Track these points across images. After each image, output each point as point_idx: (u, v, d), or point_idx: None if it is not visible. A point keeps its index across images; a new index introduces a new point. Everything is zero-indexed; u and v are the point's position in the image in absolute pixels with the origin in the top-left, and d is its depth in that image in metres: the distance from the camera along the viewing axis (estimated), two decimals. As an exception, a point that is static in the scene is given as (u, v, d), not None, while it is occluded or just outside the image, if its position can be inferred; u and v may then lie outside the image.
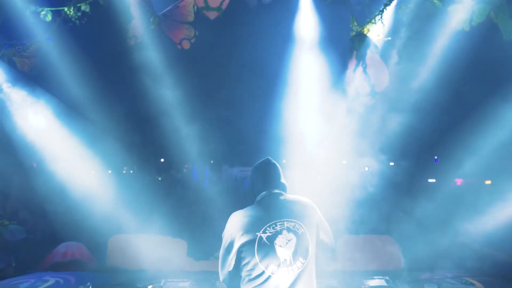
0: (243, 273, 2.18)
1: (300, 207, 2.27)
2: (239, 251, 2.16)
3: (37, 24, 8.76)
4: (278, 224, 2.18)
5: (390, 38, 6.64)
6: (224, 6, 6.20)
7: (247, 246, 2.14)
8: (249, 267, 2.15)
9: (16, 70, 8.07)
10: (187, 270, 3.33)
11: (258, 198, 2.33)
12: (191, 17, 7.70)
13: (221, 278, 2.31)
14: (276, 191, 2.32)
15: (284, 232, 2.17)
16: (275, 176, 2.37)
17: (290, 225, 2.18)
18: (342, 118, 6.33)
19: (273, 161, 2.46)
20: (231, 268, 2.20)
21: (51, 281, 3.17)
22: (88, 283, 2.93)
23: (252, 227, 2.17)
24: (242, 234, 2.17)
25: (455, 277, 3.36)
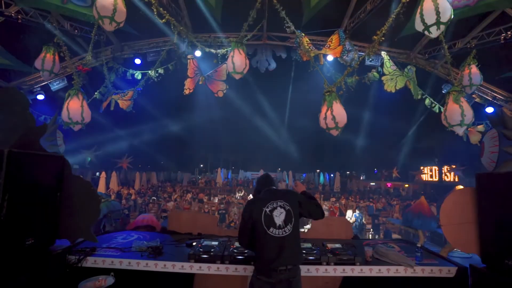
0: (256, 235, 2.41)
1: (286, 194, 2.53)
2: (253, 220, 2.41)
3: (132, 80, 9.10)
4: (274, 203, 2.45)
5: (347, 94, 6.87)
6: (245, 71, 6.41)
7: (258, 216, 2.41)
8: (258, 229, 2.39)
9: (118, 108, 8.35)
10: (217, 235, 3.34)
11: (262, 191, 2.60)
12: (224, 77, 8.03)
13: (239, 241, 2.51)
14: (272, 187, 2.62)
15: (278, 208, 2.43)
16: (271, 181, 2.67)
17: (281, 204, 2.45)
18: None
19: (270, 175, 2.76)
20: (248, 232, 2.43)
21: (135, 236, 3.25)
22: (157, 239, 2.99)
23: (260, 205, 2.46)
24: (255, 209, 2.45)
25: (383, 243, 3.35)
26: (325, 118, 6.03)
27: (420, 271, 2.72)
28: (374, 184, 28.83)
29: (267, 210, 2.41)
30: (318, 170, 29.19)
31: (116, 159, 20.90)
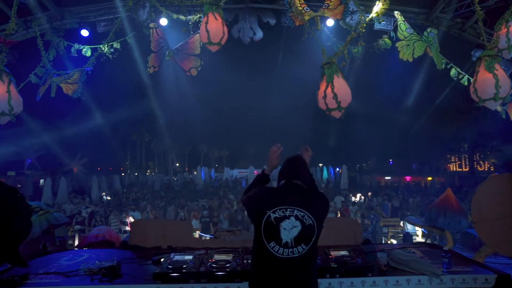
0: (255, 242, 2.17)
1: (316, 201, 2.20)
2: (253, 220, 2.16)
3: (79, 57, 8.76)
4: (288, 209, 2.09)
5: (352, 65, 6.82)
6: (223, 41, 6.19)
7: (257, 218, 2.12)
8: (257, 237, 2.13)
9: (62, 94, 8.03)
10: (193, 247, 3.24)
11: (280, 184, 2.31)
12: (198, 50, 7.83)
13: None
14: (296, 181, 2.24)
15: (292, 218, 2.07)
16: (298, 168, 2.29)
17: (300, 214, 2.09)
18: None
19: (301, 157, 2.43)
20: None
21: (86, 255, 3.12)
22: (114, 257, 2.86)
23: (265, 204, 2.13)
24: (256, 207, 2.16)
25: (401, 248, 3.33)
26: (325, 96, 5.94)
27: (449, 281, 2.71)
28: (389, 178, 29.40)
29: (272, 216, 2.06)
30: (320, 164, 29.47)
31: (65, 160, 20.30)
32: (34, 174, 19.21)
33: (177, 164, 43.45)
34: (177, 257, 2.88)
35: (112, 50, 8.53)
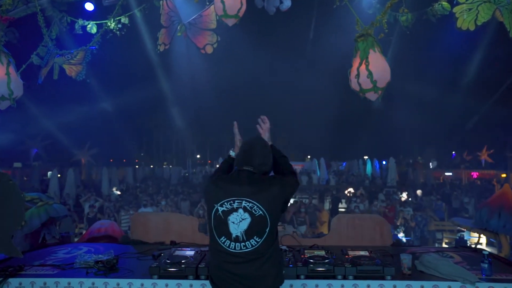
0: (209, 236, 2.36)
1: (268, 188, 2.25)
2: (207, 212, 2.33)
3: (83, 35, 9.21)
4: (236, 201, 2.21)
5: (391, 38, 6.68)
6: (241, 13, 6.34)
7: (208, 212, 2.29)
8: (209, 231, 2.32)
9: (65, 76, 8.53)
10: (198, 243, 3.48)
11: (234, 171, 2.44)
12: (213, 25, 7.98)
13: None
14: (247, 168, 2.32)
15: (240, 210, 2.20)
16: (252, 153, 2.36)
17: (248, 205, 2.20)
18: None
19: (260, 139, 2.48)
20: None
21: (84, 249, 3.45)
22: (111, 250, 3.16)
23: (213, 197, 2.28)
24: (206, 200, 2.36)
25: (437, 252, 3.36)
26: (358, 75, 5.94)
27: (486, 290, 2.71)
28: (450, 174, 28.29)
29: (220, 210, 2.20)
30: (365, 157, 28.92)
31: (73, 150, 21.51)
32: (41, 166, 20.57)
33: (198, 156, 44.45)
34: (178, 252, 3.12)
35: (119, 26, 8.94)
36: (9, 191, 2.71)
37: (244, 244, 2.18)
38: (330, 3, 8.22)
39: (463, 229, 7.03)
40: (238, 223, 2.18)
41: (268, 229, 2.21)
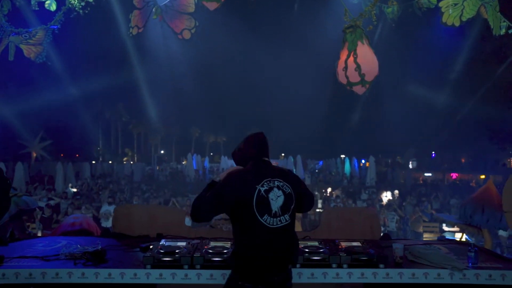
0: (239, 223, 2.70)
1: (288, 173, 2.86)
2: (239, 200, 2.64)
3: (42, 13, 9.02)
4: (270, 181, 2.71)
5: (379, 30, 7.12)
6: (223, -4, 6.47)
7: (248, 195, 2.64)
8: (245, 215, 2.65)
9: (22, 57, 8.34)
10: (185, 236, 3.69)
11: (253, 162, 2.83)
12: (191, 8, 8.09)
13: (194, 212, 2.69)
14: (265, 159, 2.87)
15: (275, 189, 2.70)
16: (267, 147, 2.91)
17: (280, 184, 2.73)
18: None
19: (264, 134, 2.99)
20: (217, 211, 2.71)
21: (64, 242, 3.59)
22: (98, 242, 3.32)
23: (253, 180, 2.70)
24: (244, 186, 2.68)
25: (425, 244, 3.73)
26: (345, 68, 6.29)
27: (473, 277, 3.07)
28: (430, 175, 29.72)
29: (262, 190, 2.66)
30: (342, 156, 29.85)
31: (23, 142, 20.72)
32: (-18, 159, 19.76)
33: (162, 152, 43.97)
34: (169, 243, 3.30)
35: (83, 3, 8.84)
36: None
37: (279, 219, 2.65)
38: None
39: (446, 224, 7.58)
40: (276, 199, 2.66)
41: (292, 206, 2.75)
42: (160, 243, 3.29)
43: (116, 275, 2.96)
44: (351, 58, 6.29)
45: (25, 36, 8.91)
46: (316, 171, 26.41)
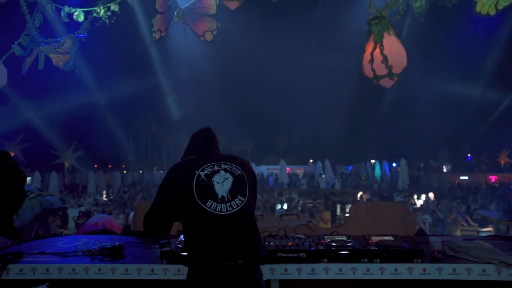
0: (184, 217, 2.49)
1: (238, 159, 2.65)
2: (179, 192, 2.45)
3: (70, 23, 9.28)
4: (215, 165, 2.51)
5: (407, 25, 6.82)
6: (244, -4, 6.41)
7: (185, 184, 2.43)
8: (187, 204, 2.42)
9: (51, 65, 8.57)
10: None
11: (196, 153, 2.68)
12: (213, 10, 8.07)
13: (146, 227, 2.63)
14: (215, 150, 2.71)
15: (222, 171, 2.48)
16: (212, 140, 2.73)
17: (227, 167, 2.51)
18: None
19: (210, 129, 2.82)
20: (163, 214, 2.56)
21: (85, 240, 3.49)
22: (116, 238, 3.22)
23: (190, 167, 2.51)
24: (180, 174, 2.50)
25: (466, 240, 3.43)
26: (371, 60, 6.03)
27: (522, 273, 2.77)
28: (466, 178, 28.48)
29: (202, 174, 2.43)
30: (373, 161, 29.07)
31: (56, 152, 21.37)
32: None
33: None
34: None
35: (109, 13, 9.01)
36: (9, 171, 2.75)
37: (230, 204, 2.39)
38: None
39: (491, 221, 7.13)
40: (222, 182, 2.43)
41: (247, 189, 2.50)
42: (179, 239, 3.16)
43: (133, 270, 2.85)
44: (377, 50, 6.04)
45: (54, 45, 9.18)
46: (344, 176, 25.85)
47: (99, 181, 21.43)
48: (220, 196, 2.38)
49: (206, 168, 2.45)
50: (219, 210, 2.35)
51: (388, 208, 3.92)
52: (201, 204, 2.36)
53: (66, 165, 22.45)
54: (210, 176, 2.43)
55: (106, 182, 23.12)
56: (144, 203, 4.65)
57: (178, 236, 3.63)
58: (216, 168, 2.47)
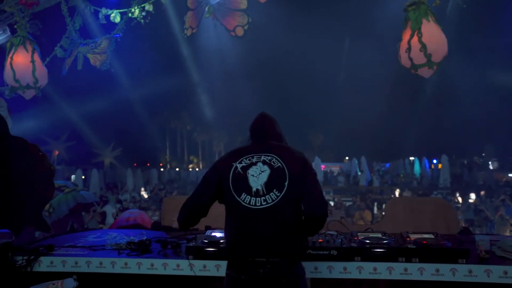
0: (225, 208, 2.46)
1: (284, 150, 2.48)
2: (220, 183, 2.43)
3: (107, 24, 9.48)
4: (255, 156, 2.41)
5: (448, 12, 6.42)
6: (275, -12, 6.24)
7: (224, 176, 2.41)
8: (226, 197, 2.41)
9: (89, 65, 8.80)
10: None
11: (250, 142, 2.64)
12: (244, 4, 7.97)
13: (181, 212, 2.51)
14: (267, 140, 2.54)
15: (259, 164, 2.38)
16: (263, 128, 2.59)
17: (267, 158, 2.39)
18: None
19: (268, 115, 2.70)
20: (199, 202, 2.49)
21: (114, 234, 3.50)
22: (143, 232, 3.18)
23: (230, 158, 2.48)
24: (222, 165, 2.49)
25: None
26: (409, 49, 5.70)
27: None
28: (514, 176, 26.91)
29: (239, 166, 2.37)
30: (412, 158, 27.99)
31: (97, 151, 22.23)
32: (64, 170, 21.46)
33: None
34: (215, 233, 3.07)
35: (144, 13, 9.14)
36: (39, 163, 2.77)
37: (264, 198, 2.28)
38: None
39: None
40: (258, 175, 2.32)
41: (287, 183, 2.30)
42: (205, 234, 3.08)
43: (158, 265, 2.81)
44: (415, 38, 5.68)
45: (92, 46, 9.43)
46: (381, 173, 25.05)
47: (137, 178, 21.98)
48: (254, 189, 2.31)
49: (244, 160, 2.40)
50: (253, 204, 2.29)
51: (428, 203, 3.67)
52: (236, 197, 2.33)
53: (106, 163, 23.25)
54: (246, 168, 2.36)
55: (144, 180, 23.70)
56: (173, 198, 4.64)
57: (206, 231, 3.56)
58: (254, 160, 2.38)
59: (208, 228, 3.69)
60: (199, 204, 2.48)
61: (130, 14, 9.13)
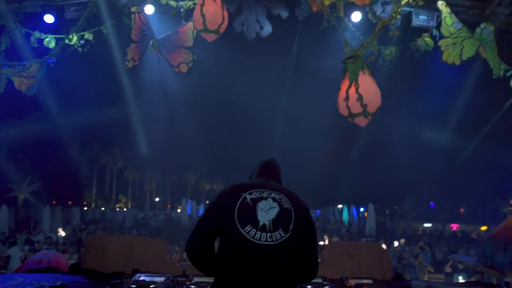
0: (222, 238, 2.25)
1: (293, 195, 2.36)
2: (221, 210, 2.23)
3: (39, 48, 8.96)
4: (265, 192, 2.28)
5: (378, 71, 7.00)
6: (222, 29, 6.39)
7: (230, 203, 2.22)
8: (227, 229, 2.19)
9: (13, 89, 8.12)
10: (167, 274, 3.10)
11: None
12: (190, 42, 7.99)
13: (188, 246, 2.28)
14: (271, 181, 2.46)
15: (269, 199, 2.25)
16: (273, 170, 2.55)
17: (277, 197, 2.27)
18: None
19: (275, 161, 2.68)
20: (205, 233, 2.24)
21: (21, 279, 2.98)
22: (59, 275, 2.76)
23: (238, 188, 2.31)
24: (229, 193, 2.29)
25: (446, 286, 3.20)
26: (347, 98, 6.00)
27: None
28: (429, 225, 28.89)
29: (248, 197, 2.21)
30: (340, 206, 29.04)
31: (10, 185, 20.01)
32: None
33: (157, 199, 43.05)
34: (144, 277, 2.76)
35: (82, 42, 8.74)
36: None
37: (270, 235, 2.12)
38: (315, 28, 8.50)
39: (467, 266, 6.95)
40: (267, 210, 2.18)
41: (291, 226, 2.17)
42: (134, 278, 2.75)
43: (72, 318, 2.41)
44: (353, 88, 6.03)
45: (19, 69, 8.78)
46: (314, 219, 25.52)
47: (55, 217, 20.12)
48: (261, 223, 2.14)
49: (254, 192, 2.25)
50: (258, 238, 2.10)
51: (365, 248, 3.67)
52: (239, 227, 2.13)
53: (21, 198, 21.09)
54: (256, 200, 2.21)
55: (64, 219, 21.75)
56: (97, 236, 4.18)
57: (133, 275, 3.20)
58: (265, 195, 2.24)
59: (136, 271, 3.34)
60: (201, 236, 2.24)
61: (67, 41, 8.71)
